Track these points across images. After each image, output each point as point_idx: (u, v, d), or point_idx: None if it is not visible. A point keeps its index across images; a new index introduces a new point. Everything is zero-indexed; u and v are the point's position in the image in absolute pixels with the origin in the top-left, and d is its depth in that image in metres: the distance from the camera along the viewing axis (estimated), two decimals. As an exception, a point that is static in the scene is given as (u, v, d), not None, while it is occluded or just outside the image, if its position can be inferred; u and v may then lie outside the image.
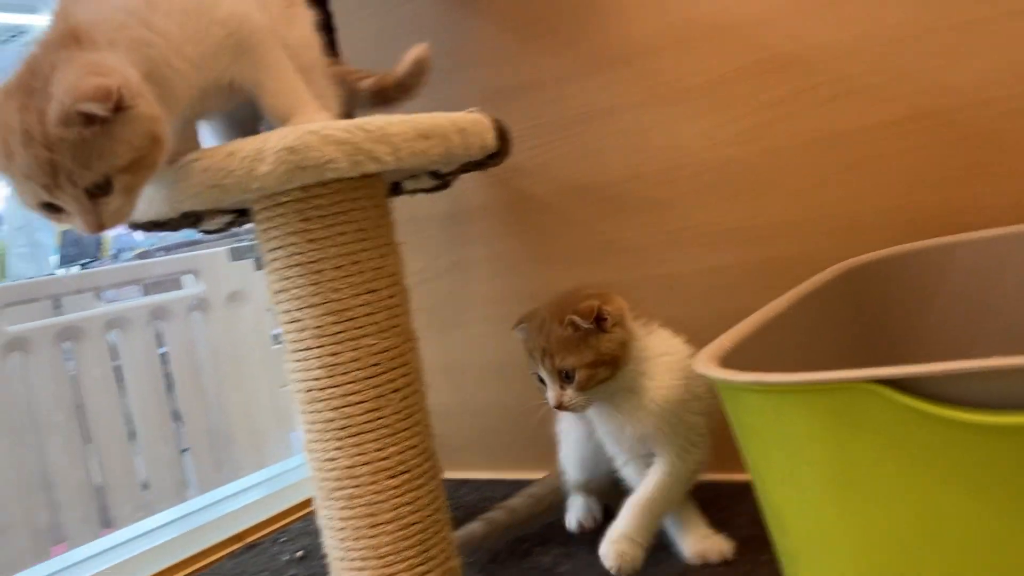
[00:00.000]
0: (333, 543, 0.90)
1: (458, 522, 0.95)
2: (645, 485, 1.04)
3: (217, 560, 1.41)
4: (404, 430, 0.89)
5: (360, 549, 0.88)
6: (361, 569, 0.88)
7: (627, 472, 1.09)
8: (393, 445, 0.88)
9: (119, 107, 0.71)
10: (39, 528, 2.19)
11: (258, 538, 1.47)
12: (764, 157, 1.23)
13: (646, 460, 1.07)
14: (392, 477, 0.88)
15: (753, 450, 0.71)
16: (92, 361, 2.36)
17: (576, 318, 0.99)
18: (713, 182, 1.28)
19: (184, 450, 2.55)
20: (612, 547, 1.01)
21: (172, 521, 1.61)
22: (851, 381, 0.59)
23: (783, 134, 1.21)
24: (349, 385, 0.88)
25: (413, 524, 0.88)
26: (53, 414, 2.26)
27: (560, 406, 1.00)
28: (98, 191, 0.74)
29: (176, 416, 2.54)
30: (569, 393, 1.00)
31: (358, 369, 0.88)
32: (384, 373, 0.89)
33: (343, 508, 0.88)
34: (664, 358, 1.05)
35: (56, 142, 0.70)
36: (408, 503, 0.88)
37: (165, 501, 2.23)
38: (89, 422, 2.34)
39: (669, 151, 1.30)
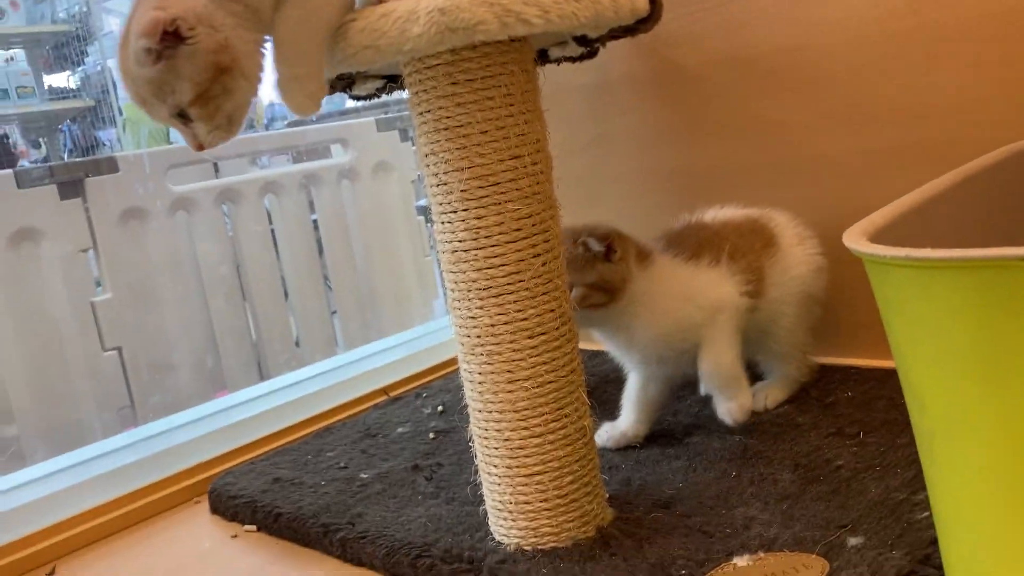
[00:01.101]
0: (473, 396, 0.95)
1: (591, 388, 0.98)
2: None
3: (364, 410, 1.51)
4: (543, 294, 0.92)
5: (498, 403, 0.93)
6: (498, 421, 0.93)
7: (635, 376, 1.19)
8: (532, 308, 0.91)
9: (178, 37, 0.74)
10: (205, 372, 2.38)
11: (401, 392, 1.57)
12: (935, 30, 1.15)
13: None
14: (530, 337, 0.91)
15: (897, 328, 0.70)
16: (249, 223, 2.49)
17: (590, 240, 1.08)
18: (876, 57, 1.21)
19: (332, 312, 2.70)
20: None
21: (322, 373, 1.73)
22: (1005, 259, 0.57)
23: (959, 3, 1.12)
24: (492, 248, 0.90)
25: (549, 383, 0.92)
26: (215, 271, 2.42)
27: None
28: (185, 118, 0.79)
29: (326, 279, 2.67)
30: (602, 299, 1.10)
31: (501, 233, 0.90)
32: (526, 238, 0.91)
33: (483, 364, 0.93)
34: (661, 302, 1.12)
35: (135, 79, 0.76)
36: (545, 363, 0.92)
37: (315, 357, 2.38)
38: (247, 281, 2.50)
39: (829, 24, 1.23)
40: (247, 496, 1.19)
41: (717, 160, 1.41)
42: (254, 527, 1.16)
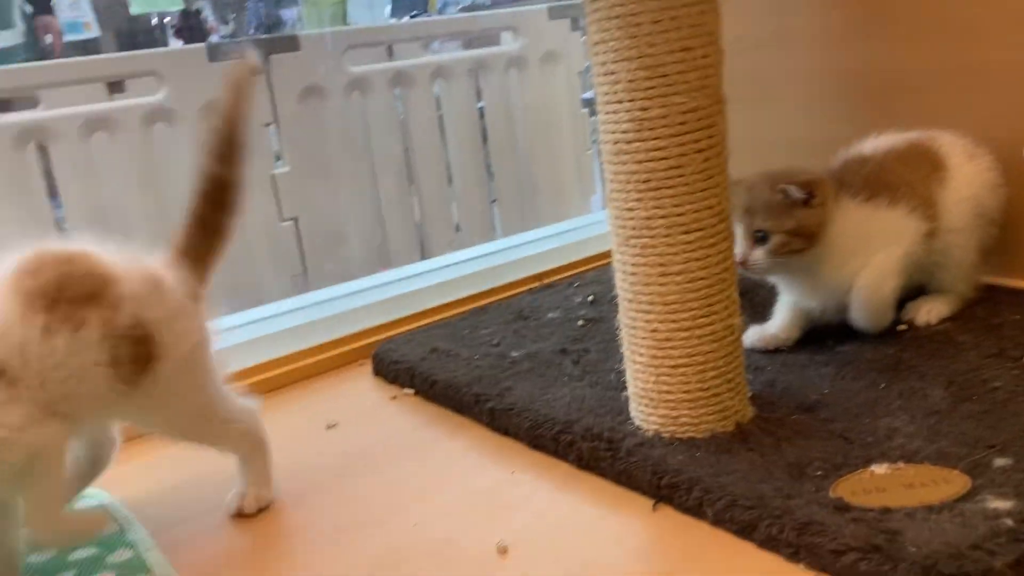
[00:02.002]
0: (624, 287, 0.98)
1: (744, 290, 0.99)
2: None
3: (517, 294, 1.56)
4: (703, 190, 0.92)
5: (648, 295, 0.95)
6: (647, 313, 0.95)
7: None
8: (690, 203, 0.92)
9: None
10: (373, 247, 2.51)
11: (553, 280, 1.61)
12: None
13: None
14: (686, 233, 0.92)
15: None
16: (418, 107, 2.56)
17: (790, 188, 1.07)
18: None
19: (492, 201, 2.76)
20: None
21: (479, 256, 1.80)
22: None
23: None
24: (654, 141, 0.91)
25: (700, 279, 0.93)
26: (386, 152, 2.52)
27: (743, 263, 1.10)
28: None
29: (488, 167, 2.73)
30: (757, 254, 1.10)
31: (665, 126, 0.90)
32: (690, 132, 0.90)
33: (636, 256, 0.95)
34: (848, 244, 1.11)
35: None
36: (698, 259, 0.93)
37: (473, 242, 2.46)
38: (414, 164, 2.59)
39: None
40: (407, 362, 1.28)
41: (899, 63, 1.34)
42: (412, 391, 1.25)
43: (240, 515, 0.97)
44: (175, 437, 0.96)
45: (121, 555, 0.93)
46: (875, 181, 1.14)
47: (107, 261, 0.85)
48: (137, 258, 0.89)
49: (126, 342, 0.82)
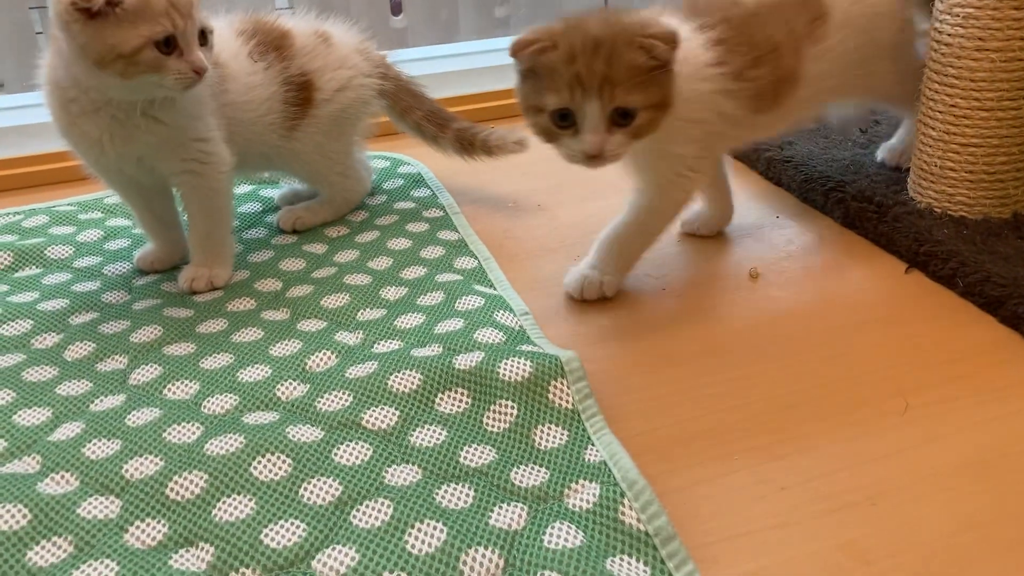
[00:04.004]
0: (934, 57, 0.97)
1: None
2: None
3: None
4: (1049, -35, 0.88)
5: (957, 68, 0.94)
6: (951, 87, 0.95)
7: None
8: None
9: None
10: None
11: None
12: None
13: None
14: (1016, 8, 0.89)
15: None
16: None
17: (658, 43, 0.78)
18: None
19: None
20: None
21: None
22: None
23: None
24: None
25: (1018, 59, 0.91)
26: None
27: (599, 155, 0.80)
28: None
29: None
30: (617, 139, 0.80)
31: None
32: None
33: (956, 26, 0.93)
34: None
35: None
36: (1022, 38, 0.90)
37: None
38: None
39: None
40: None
41: None
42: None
43: (292, 231, 1.09)
44: (299, 171, 1.10)
45: (433, 212, 1.12)
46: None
47: (283, 20, 1.04)
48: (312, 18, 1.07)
49: (293, 87, 1.01)
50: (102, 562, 0.59)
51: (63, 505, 0.63)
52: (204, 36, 0.85)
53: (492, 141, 1.13)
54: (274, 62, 1.00)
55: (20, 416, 0.74)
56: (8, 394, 0.77)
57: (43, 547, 0.60)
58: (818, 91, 0.94)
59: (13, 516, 0.62)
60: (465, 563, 0.58)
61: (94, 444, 0.70)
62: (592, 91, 0.78)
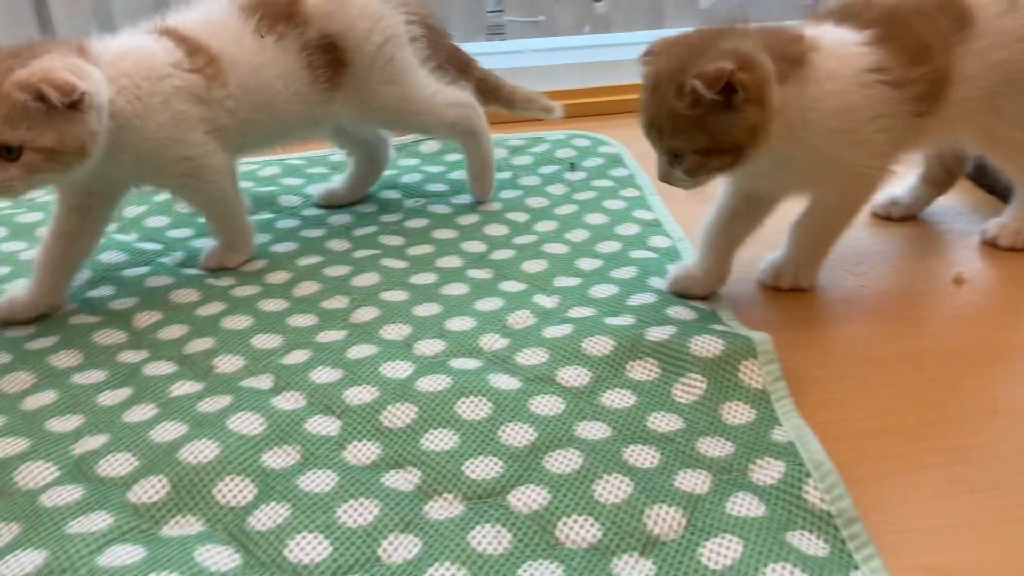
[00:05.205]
0: None
1: None
2: None
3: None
4: None
5: None
6: None
7: None
8: None
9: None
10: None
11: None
12: None
13: None
14: None
15: None
16: None
17: (698, 84, 0.73)
18: None
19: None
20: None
21: None
22: None
23: None
24: None
25: None
26: None
27: (665, 180, 0.82)
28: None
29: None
30: (677, 173, 0.80)
31: None
32: None
33: None
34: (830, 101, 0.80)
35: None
36: None
37: None
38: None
39: None
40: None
41: None
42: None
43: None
44: (384, 125, 1.13)
45: (630, 192, 1.16)
46: None
47: None
48: None
49: (318, 52, 0.98)
50: (324, 472, 0.66)
51: (292, 420, 0.71)
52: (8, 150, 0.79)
53: (517, 96, 1.15)
54: (285, 32, 0.97)
55: (256, 340, 0.84)
56: (246, 319, 0.87)
57: (275, 452, 0.68)
58: (974, 95, 0.89)
59: (251, 424, 0.70)
60: (649, 517, 0.62)
61: (319, 370, 0.78)
62: (653, 126, 0.79)
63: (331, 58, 1.00)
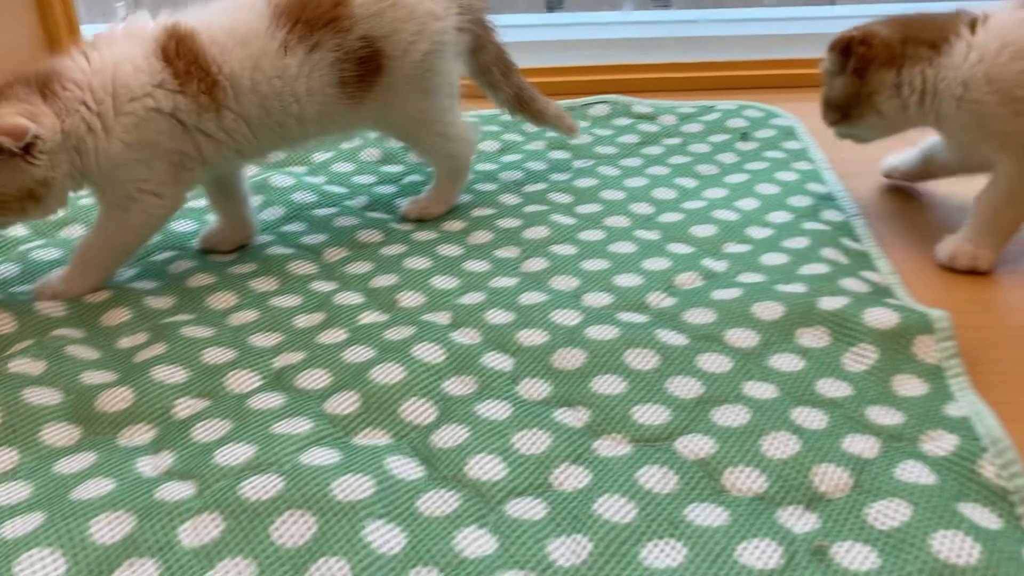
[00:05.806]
0: None
1: None
2: None
3: None
4: None
5: None
6: None
7: None
8: None
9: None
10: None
11: None
12: None
13: None
14: None
15: None
16: None
17: (827, 54, 0.95)
18: None
19: None
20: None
21: None
22: None
23: None
24: None
25: None
26: None
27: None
28: None
29: None
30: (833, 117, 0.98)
31: None
32: None
33: None
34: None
35: None
36: None
37: None
38: None
39: None
40: None
41: None
42: None
43: (405, 219, 1.02)
44: (393, 135, 1.04)
45: (803, 165, 1.14)
46: None
47: None
48: None
49: (353, 63, 0.89)
50: (500, 402, 0.70)
51: (470, 353, 0.76)
52: None
53: (549, 111, 1.10)
54: (322, 42, 0.88)
55: (435, 280, 0.89)
56: (425, 261, 0.92)
57: (454, 381, 0.73)
58: None
59: (433, 353, 0.75)
60: (816, 474, 0.62)
61: (493, 312, 0.82)
62: None
63: (367, 68, 0.91)
